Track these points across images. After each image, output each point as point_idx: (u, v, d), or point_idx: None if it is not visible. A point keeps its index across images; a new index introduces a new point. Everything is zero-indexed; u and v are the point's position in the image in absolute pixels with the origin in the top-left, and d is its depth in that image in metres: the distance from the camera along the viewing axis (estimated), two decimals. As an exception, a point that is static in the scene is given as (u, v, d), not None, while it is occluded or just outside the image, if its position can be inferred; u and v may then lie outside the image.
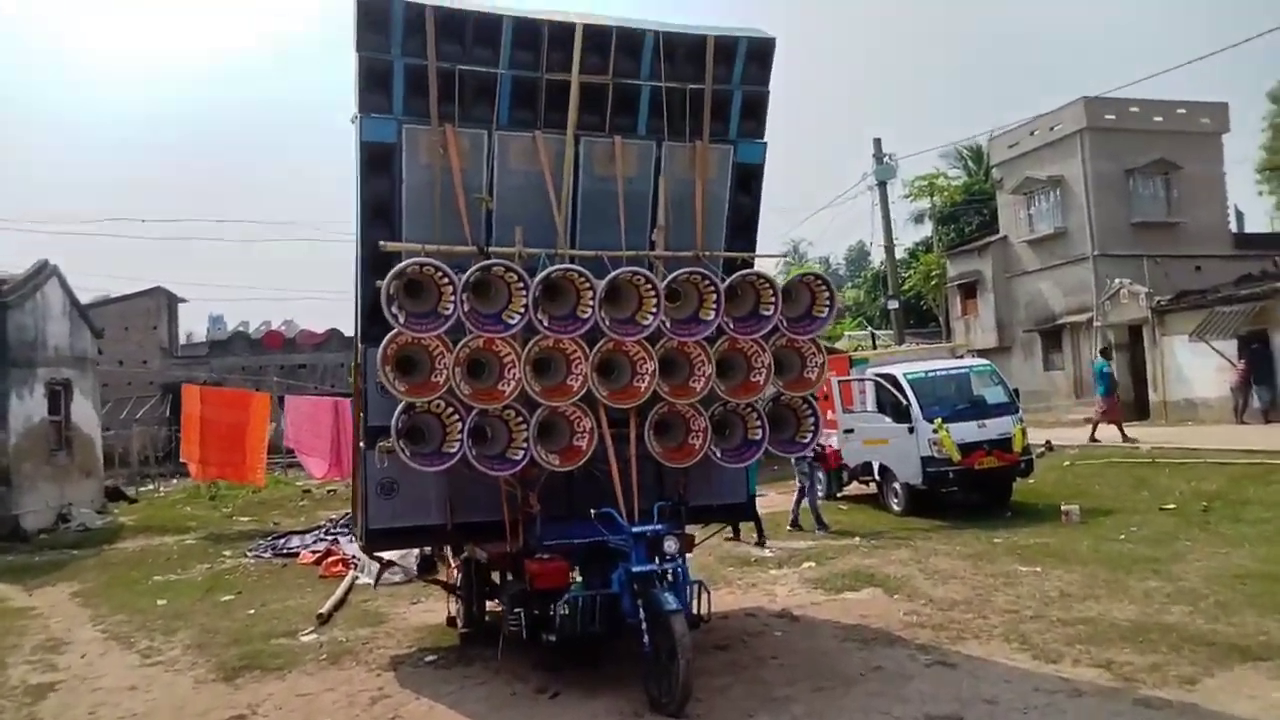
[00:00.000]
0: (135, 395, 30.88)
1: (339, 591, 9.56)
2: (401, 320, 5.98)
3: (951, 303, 34.87)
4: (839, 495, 15.98)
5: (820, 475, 14.45)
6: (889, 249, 26.01)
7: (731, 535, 12.30)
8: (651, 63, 7.26)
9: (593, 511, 6.21)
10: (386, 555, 8.67)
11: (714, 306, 6.64)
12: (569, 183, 7.15)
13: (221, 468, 16.47)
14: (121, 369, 32.31)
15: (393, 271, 6.00)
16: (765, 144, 7.80)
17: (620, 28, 7.19)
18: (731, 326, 6.79)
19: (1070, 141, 28.63)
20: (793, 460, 13.85)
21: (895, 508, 14.04)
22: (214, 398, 16.35)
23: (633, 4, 7.87)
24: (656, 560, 6.02)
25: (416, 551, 9.55)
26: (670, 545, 6.07)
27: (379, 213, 6.87)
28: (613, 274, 6.39)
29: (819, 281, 7.06)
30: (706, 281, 6.63)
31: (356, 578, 10.53)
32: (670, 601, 5.77)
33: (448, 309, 6.06)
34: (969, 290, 33.33)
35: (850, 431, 14.49)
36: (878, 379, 14.51)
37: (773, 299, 6.81)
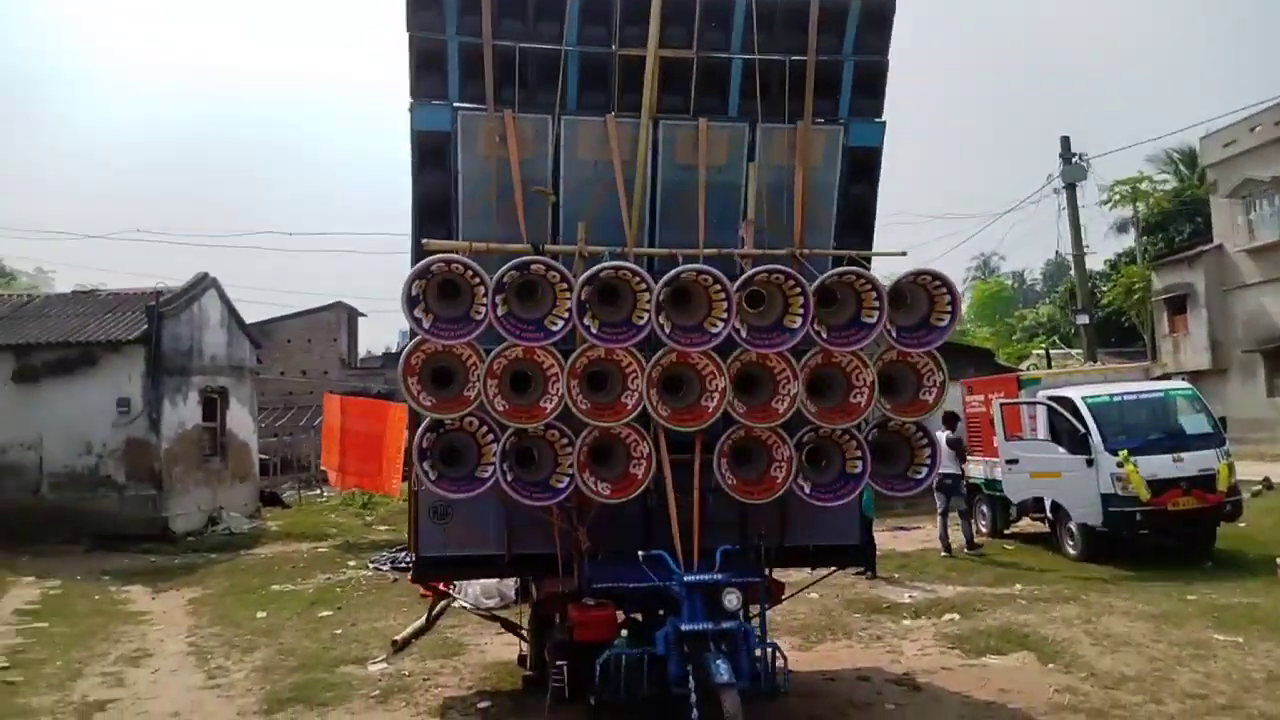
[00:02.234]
0: (315, 404, 32.38)
1: (423, 617, 9.01)
2: (426, 325, 5.27)
3: (1158, 319, 31.32)
4: (1006, 532, 14.20)
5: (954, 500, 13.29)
6: (1078, 258, 23.34)
7: (864, 573, 11.14)
8: (744, 33, 6.27)
9: (640, 554, 5.25)
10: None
11: (800, 312, 5.54)
12: (643, 173, 6.23)
13: (359, 477, 16.58)
14: (304, 379, 34.02)
15: (414, 269, 5.30)
16: (884, 124, 6.62)
17: None
18: (825, 336, 5.67)
19: (1300, 137, 25.02)
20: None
21: (1070, 551, 12.20)
22: (353, 407, 16.51)
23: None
24: (714, 618, 4.98)
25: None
26: (731, 600, 5.03)
27: (434, 209, 6.21)
28: (671, 273, 5.43)
29: (937, 282, 5.79)
30: (791, 282, 5.55)
31: (453, 600, 9.97)
32: (722, 672, 4.73)
33: (480, 313, 5.30)
34: (1178, 305, 29.80)
35: (1014, 462, 12.72)
36: (1051, 403, 12.67)
37: (876, 303, 5.63)
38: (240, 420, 18.70)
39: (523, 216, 6.00)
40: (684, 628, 4.96)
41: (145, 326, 16.11)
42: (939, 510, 13.35)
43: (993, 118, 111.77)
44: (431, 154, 6.18)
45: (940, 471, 13.56)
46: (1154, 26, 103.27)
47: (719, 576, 5.13)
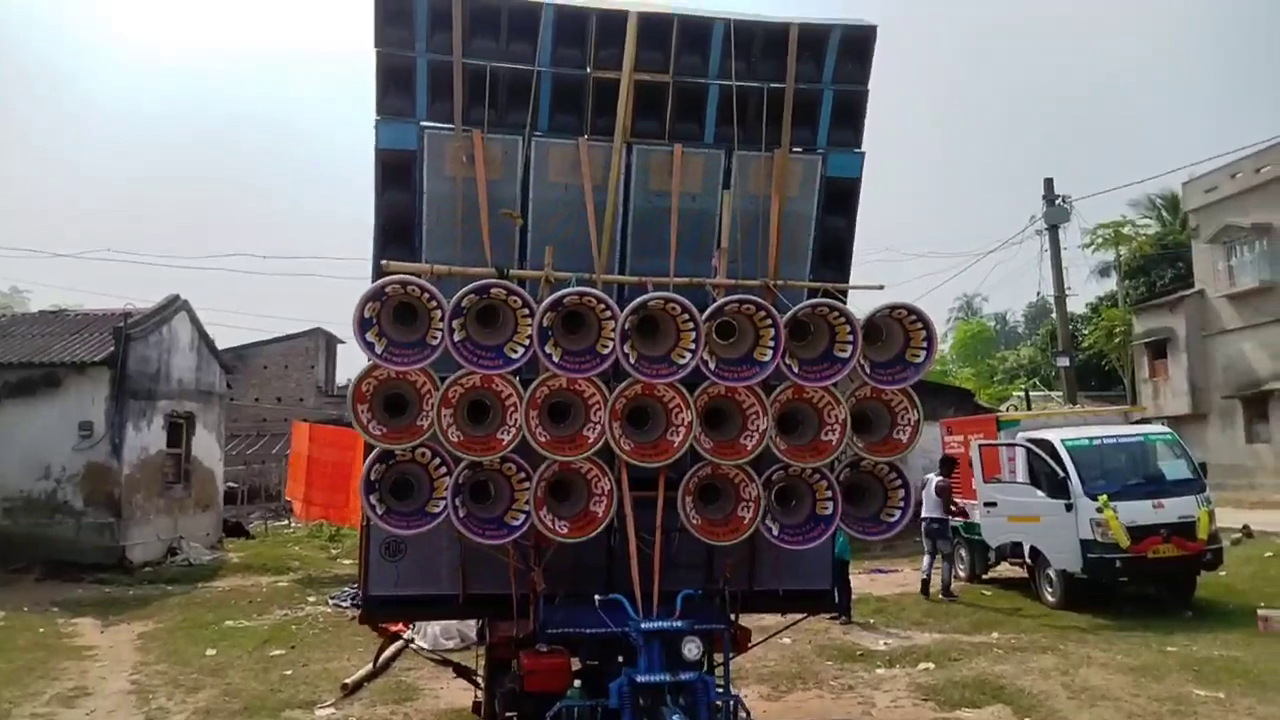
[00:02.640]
0: (288, 432, 31.89)
1: (376, 660, 8.63)
2: (378, 350, 5.00)
3: (1138, 363, 31.41)
4: (984, 577, 13.94)
5: (940, 543, 13.04)
6: (1059, 299, 23.30)
7: (839, 618, 10.87)
8: (721, 58, 6.09)
9: (597, 598, 4.96)
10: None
11: (770, 345, 5.31)
12: (615, 198, 6.02)
13: (325, 508, 16.16)
14: (278, 405, 33.53)
15: (367, 291, 5.04)
16: (863, 154, 6.44)
17: (684, 16, 6.07)
18: (796, 371, 5.44)
19: (1278, 185, 25.22)
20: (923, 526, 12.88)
21: (1049, 598, 11.95)
22: (321, 435, 16.12)
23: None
24: (672, 668, 4.68)
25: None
26: (690, 650, 4.74)
27: (397, 230, 5.96)
28: (637, 301, 5.20)
29: (912, 317, 5.58)
30: (762, 314, 5.33)
31: (411, 640, 9.60)
32: (678, 728, 4.42)
33: (436, 338, 5.04)
34: (1158, 349, 29.91)
35: (993, 505, 12.50)
36: (1030, 445, 12.48)
37: (850, 337, 5.41)
38: (207, 447, 18.24)
39: (488, 239, 5.76)
40: (639, 679, 4.66)
41: (111, 348, 15.72)
42: (926, 552, 13.16)
43: (977, 158, 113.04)
44: (396, 173, 5.94)
45: (926, 516, 13.52)
46: (1140, 74, 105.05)
47: (678, 624, 4.84)
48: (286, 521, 24.02)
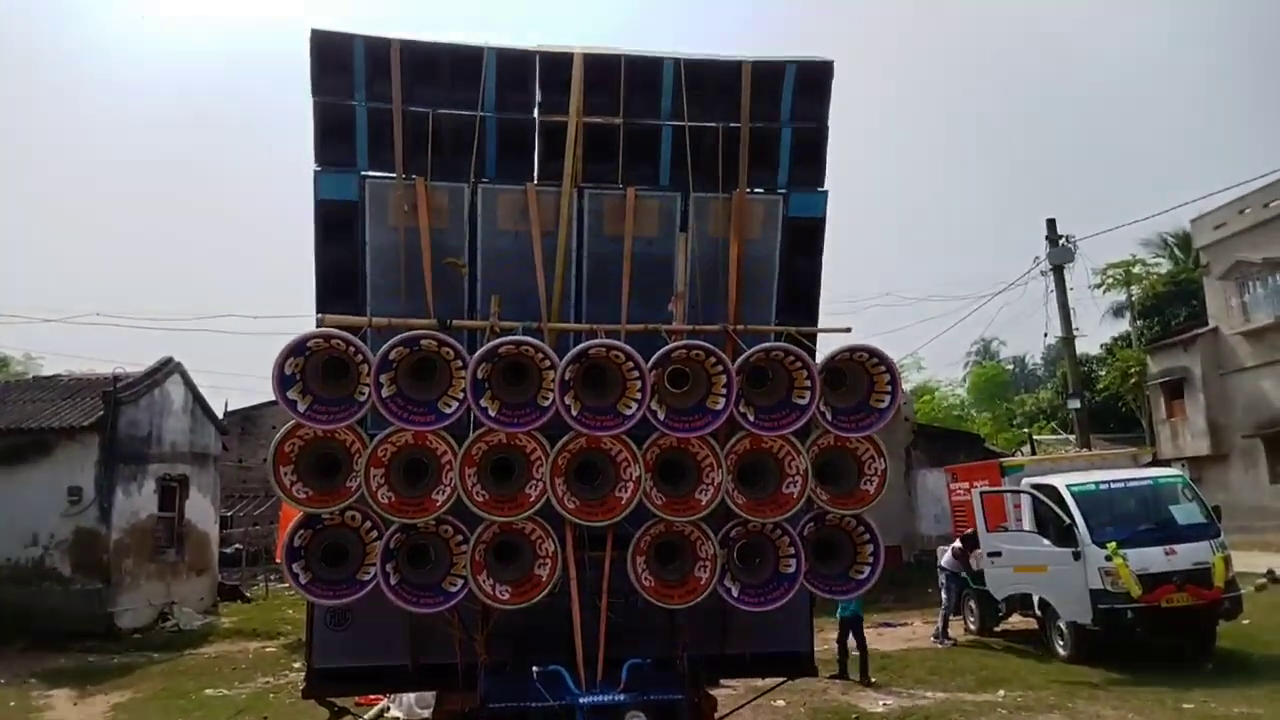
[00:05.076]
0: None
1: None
2: (301, 408, 4.74)
3: (1155, 404, 30.75)
4: (996, 630, 13.39)
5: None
6: (1068, 341, 22.88)
7: (837, 676, 10.40)
8: (673, 99, 5.90)
9: (535, 670, 4.62)
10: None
11: (723, 392, 5.01)
12: (564, 244, 5.79)
13: (316, 572, 15.78)
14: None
15: (287, 346, 4.79)
16: (826, 193, 6.20)
17: (631, 57, 5.89)
18: (752, 419, 5.13)
19: (1289, 219, 24.87)
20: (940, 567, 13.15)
21: (1060, 651, 11.41)
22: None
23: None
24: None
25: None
26: (633, 725, 4.37)
27: (338, 284, 5.75)
28: (577, 349, 4.93)
29: (875, 360, 5.27)
30: (713, 359, 5.04)
31: (387, 708, 9.23)
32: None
33: (364, 394, 4.78)
34: (1175, 389, 29.25)
35: (997, 555, 12.01)
36: (1035, 492, 12.03)
37: (808, 383, 5.11)
38: (201, 510, 17.99)
39: (430, 290, 5.53)
40: (579, 758, 4.30)
41: (101, 413, 15.58)
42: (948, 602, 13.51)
43: (979, 198, 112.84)
44: (337, 225, 5.75)
45: (942, 565, 13.57)
46: (1141, 107, 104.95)
47: (620, 697, 4.48)
48: (289, 584, 23.62)
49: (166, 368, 17.12)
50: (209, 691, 11.01)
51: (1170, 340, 30.22)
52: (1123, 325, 39.46)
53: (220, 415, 20.34)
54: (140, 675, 12.27)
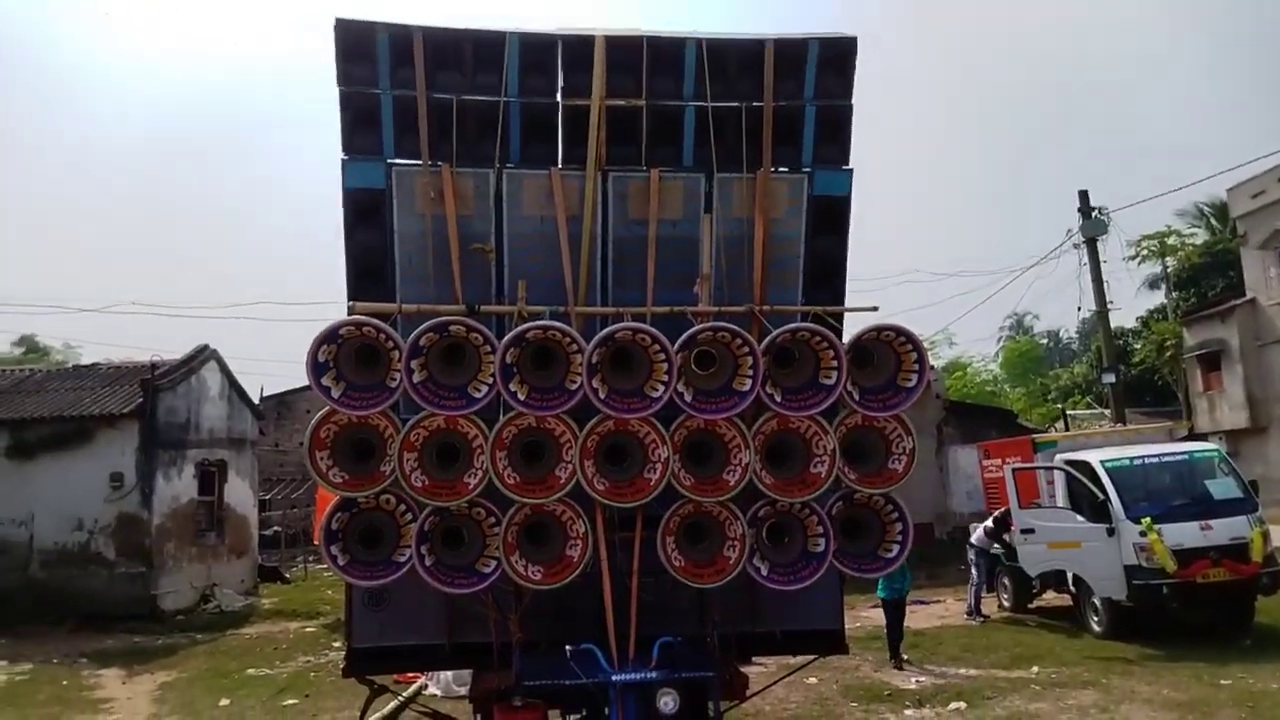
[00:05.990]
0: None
1: (385, 710, 8.39)
2: (335, 394, 4.83)
3: (1191, 377, 30.31)
4: (1030, 607, 13.35)
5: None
6: (1102, 315, 22.60)
7: (893, 658, 10.39)
8: (696, 79, 5.90)
9: (568, 648, 4.70)
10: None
11: (749, 374, 5.04)
12: (589, 228, 5.83)
13: (353, 553, 16.04)
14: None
15: (319, 334, 4.87)
16: (850, 171, 6.18)
17: (653, 38, 5.89)
18: (779, 400, 5.15)
19: (1330, 186, 24.32)
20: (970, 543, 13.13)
21: (1095, 628, 11.37)
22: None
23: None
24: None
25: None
26: (666, 703, 4.44)
27: (370, 271, 5.83)
28: (604, 333, 4.97)
29: (902, 339, 5.27)
30: (739, 341, 5.06)
31: (424, 686, 9.39)
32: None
33: (395, 380, 4.86)
34: (1212, 362, 28.81)
35: (1030, 531, 11.95)
36: (1068, 468, 11.95)
37: (834, 363, 5.12)
38: (240, 493, 18.34)
39: (459, 276, 5.61)
40: (611, 737, 4.38)
41: (140, 400, 15.89)
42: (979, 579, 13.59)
43: (1010, 170, 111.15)
44: (366, 212, 5.83)
45: (971, 542, 13.52)
46: (1174, 73, 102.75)
47: (652, 674, 4.55)
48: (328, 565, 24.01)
49: (202, 355, 17.42)
50: (251, 671, 11.27)
51: (1207, 312, 29.71)
52: (1158, 297, 38.91)
53: (256, 401, 20.71)
54: (184, 655, 12.58)
